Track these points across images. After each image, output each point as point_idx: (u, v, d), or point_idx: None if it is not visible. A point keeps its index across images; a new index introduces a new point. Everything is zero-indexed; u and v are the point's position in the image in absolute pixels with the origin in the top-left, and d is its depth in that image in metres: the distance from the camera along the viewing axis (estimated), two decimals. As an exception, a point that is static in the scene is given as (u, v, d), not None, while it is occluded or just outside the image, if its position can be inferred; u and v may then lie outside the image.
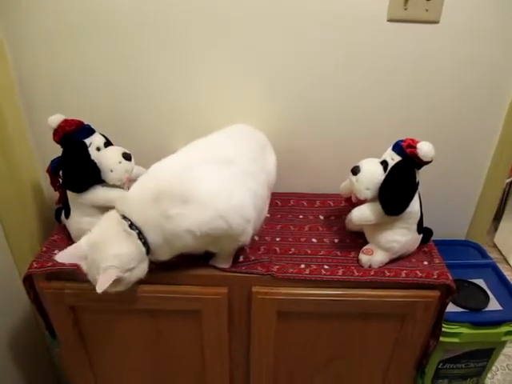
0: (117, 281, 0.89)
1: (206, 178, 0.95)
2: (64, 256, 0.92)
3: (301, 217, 1.26)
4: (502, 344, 1.31)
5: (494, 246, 2.56)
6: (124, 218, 0.93)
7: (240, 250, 1.09)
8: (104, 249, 0.90)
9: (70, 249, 0.93)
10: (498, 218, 2.56)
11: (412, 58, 1.18)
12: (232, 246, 1.03)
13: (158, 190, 0.92)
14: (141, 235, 0.92)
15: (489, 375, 1.74)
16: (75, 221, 1.10)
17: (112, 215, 0.95)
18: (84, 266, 0.92)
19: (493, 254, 2.49)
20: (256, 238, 1.15)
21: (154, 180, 0.96)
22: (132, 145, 1.13)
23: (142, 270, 0.94)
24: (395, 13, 1.13)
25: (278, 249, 1.13)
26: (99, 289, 0.87)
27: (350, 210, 1.14)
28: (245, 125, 1.18)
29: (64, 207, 1.14)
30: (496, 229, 2.56)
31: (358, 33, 1.15)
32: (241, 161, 1.02)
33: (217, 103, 1.26)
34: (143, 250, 0.92)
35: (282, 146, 1.23)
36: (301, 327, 1.13)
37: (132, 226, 0.92)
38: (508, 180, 2.40)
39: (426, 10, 1.12)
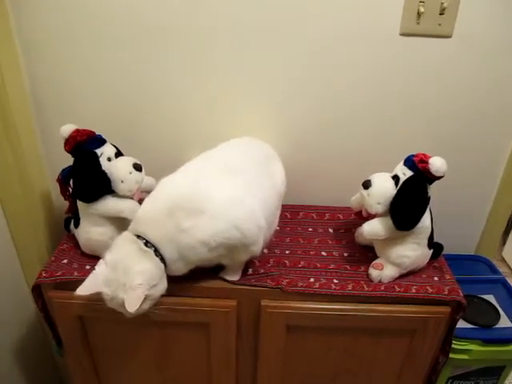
0: (144, 298, 0.88)
1: (217, 189, 0.96)
2: (84, 288, 0.91)
3: (310, 229, 1.26)
4: (513, 362, 1.30)
5: (503, 259, 2.53)
6: (138, 237, 0.93)
7: (249, 263, 1.08)
8: (126, 268, 0.89)
9: (89, 279, 0.92)
10: (506, 231, 2.53)
11: (424, 72, 1.18)
12: (244, 256, 1.02)
13: (170, 205, 0.92)
14: (157, 252, 0.92)
15: (498, 392, 1.71)
16: (84, 230, 1.10)
17: (126, 235, 0.95)
18: (106, 292, 0.91)
19: (501, 269, 2.45)
20: (265, 250, 1.14)
21: (165, 195, 0.96)
22: (142, 155, 1.13)
23: (163, 285, 0.94)
24: (408, 27, 1.12)
25: (287, 262, 1.12)
26: (131, 308, 0.86)
27: (359, 224, 1.13)
28: (250, 137, 1.18)
29: (73, 217, 1.14)
30: (504, 242, 2.54)
31: (370, 46, 1.15)
32: (248, 171, 1.03)
33: (227, 115, 1.26)
34: (162, 266, 0.92)
35: (292, 158, 1.23)
36: (309, 341, 1.12)
37: (147, 243, 0.92)
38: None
39: (439, 25, 1.12)
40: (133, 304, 0.86)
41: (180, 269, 0.96)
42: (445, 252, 1.18)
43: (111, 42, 1.16)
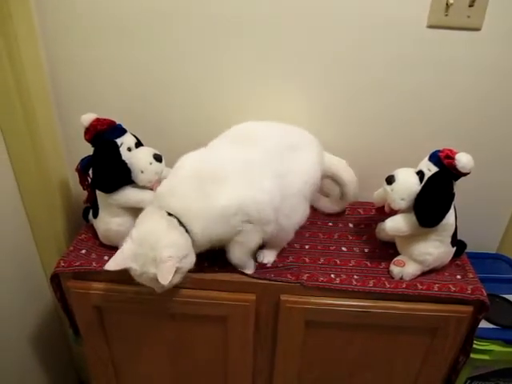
0: (175, 271, 0.88)
1: (238, 159, 0.98)
2: (112, 264, 0.91)
3: (330, 224, 1.24)
4: (535, 363, 1.27)
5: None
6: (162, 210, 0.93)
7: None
8: (154, 241, 0.89)
9: (116, 255, 0.92)
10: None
11: (451, 65, 1.15)
12: (256, 236, 1.00)
13: (193, 176, 0.95)
14: (182, 225, 0.92)
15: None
16: (103, 221, 1.10)
17: (150, 210, 0.95)
18: (135, 267, 0.91)
19: (519, 267, 2.42)
20: (285, 245, 1.13)
21: (187, 168, 0.98)
22: (162, 146, 1.12)
23: (192, 257, 0.94)
24: (436, 19, 1.09)
25: (307, 259, 1.11)
26: (164, 281, 0.86)
27: (380, 219, 1.11)
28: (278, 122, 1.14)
29: (92, 207, 1.13)
30: (523, 241, 2.50)
31: (397, 39, 1.13)
32: (268, 152, 1.02)
33: (251, 109, 1.24)
34: (188, 238, 0.92)
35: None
36: (328, 337, 1.11)
37: (171, 215, 0.92)
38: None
39: (468, 17, 1.09)
40: (165, 276, 0.86)
41: (203, 243, 0.95)
42: (466, 250, 1.16)
43: (132, 32, 1.15)
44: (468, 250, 1.17)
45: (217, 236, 0.96)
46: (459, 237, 1.13)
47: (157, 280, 0.87)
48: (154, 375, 1.24)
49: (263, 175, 0.98)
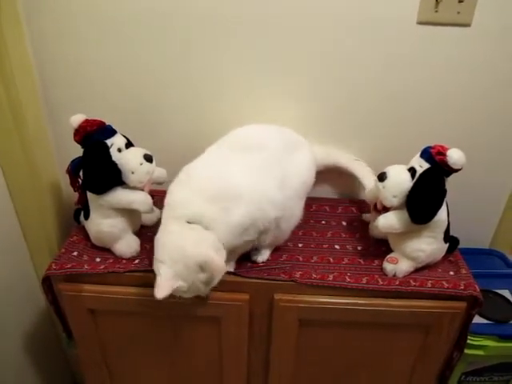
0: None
1: (243, 175, 0.97)
2: (160, 292, 0.86)
3: (323, 222, 1.24)
4: (528, 358, 1.28)
5: (514, 253, 2.50)
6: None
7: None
8: (186, 250, 0.88)
9: (159, 282, 0.87)
10: (518, 224, 2.50)
11: (442, 61, 1.15)
12: (251, 244, 1.02)
13: (205, 189, 0.94)
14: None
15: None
16: (95, 222, 1.09)
17: (166, 223, 0.94)
18: (182, 284, 0.87)
19: (513, 262, 2.43)
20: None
21: (196, 181, 0.97)
22: (154, 146, 1.11)
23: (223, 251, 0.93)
24: (425, 15, 1.09)
25: (300, 257, 1.11)
26: (222, 270, 0.88)
27: (373, 217, 1.11)
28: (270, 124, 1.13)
29: (83, 208, 1.13)
30: (516, 236, 2.51)
31: (386, 35, 1.12)
32: (267, 156, 1.02)
33: (240, 103, 1.24)
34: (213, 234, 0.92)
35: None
36: (322, 335, 1.11)
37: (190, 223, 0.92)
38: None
39: (458, 13, 1.09)
40: (220, 266, 0.87)
41: None
42: (459, 246, 1.16)
43: (121, 32, 1.14)
44: (461, 245, 1.17)
45: (227, 246, 0.94)
46: (452, 233, 1.13)
47: (206, 284, 0.89)
48: (149, 377, 1.24)
49: (272, 186, 0.98)
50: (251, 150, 1.01)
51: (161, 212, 1.21)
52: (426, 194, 0.99)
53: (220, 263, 0.87)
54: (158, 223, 1.19)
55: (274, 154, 1.02)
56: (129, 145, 1.09)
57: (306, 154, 1.11)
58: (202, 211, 0.92)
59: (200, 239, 0.89)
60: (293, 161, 1.06)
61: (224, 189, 0.94)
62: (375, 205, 1.09)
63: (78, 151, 1.06)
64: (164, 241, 0.92)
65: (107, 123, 1.06)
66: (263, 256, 1.08)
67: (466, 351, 1.16)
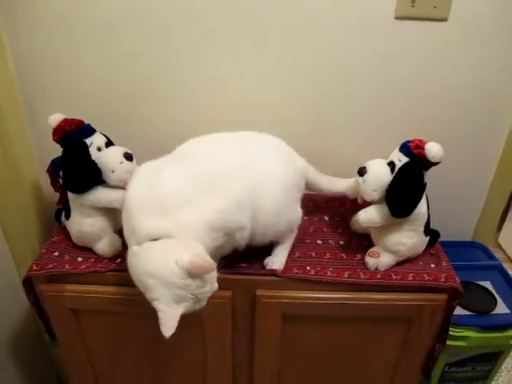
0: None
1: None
2: (170, 327, 0.83)
3: (305, 218, 1.23)
4: (510, 347, 1.29)
5: (499, 246, 2.53)
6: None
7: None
8: (169, 268, 0.82)
9: (166, 318, 0.83)
10: (502, 217, 2.53)
11: (420, 56, 1.16)
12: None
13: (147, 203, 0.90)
14: None
15: (494, 377, 1.72)
16: (76, 222, 1.08)
17: (138, 251, 0.87)
18: (186, 304, 0.84)
19: (497, 254, 2.44)
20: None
21: (135, 199, 0.92)
22: (136, 146, 1.10)
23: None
24: (403, 10, 1.10)
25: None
26: (208, 267, 0.83)
27: (355, 212, 1.12)
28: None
29: (64, 208, 1.12)
30: (500, 228, 2.54)
31: (364, 30, 1.13)
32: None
33: (222, 104, 1.24)
34: None
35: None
36: (306, 330, 1.11)
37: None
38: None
39: (435, 7, 1.10)
40: (206, 266, 0.83)
41: None
42: (441, 239, 1.17)
43: (102, 31, 1.14)
44: (444, 238, 1.18)
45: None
46: (435, 226, 1.14)
47: (206, 286, 0.84)
48: (134, 375, 1.23)
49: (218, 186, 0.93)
50: (194, 162, 0.97)
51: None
52: (405, 188, 1.00)
53: (201, 260, 0.81)
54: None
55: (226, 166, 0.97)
56: (109, 144, 1.08)
57: (276, 162, 1.04)
58: (156, 227, 0.87)
59: (167, 251, 0.84)
60: (261, 172, 1.00)
61: (162, 198, 0.89)
62: (355, 199, 1.10)
63: (59, 151, 1.05)
64: (142, 277, 0.85)
65: (86, 122, 1.06)
66: (278, 264, 1.05)
67: (449, 342, 1.17)
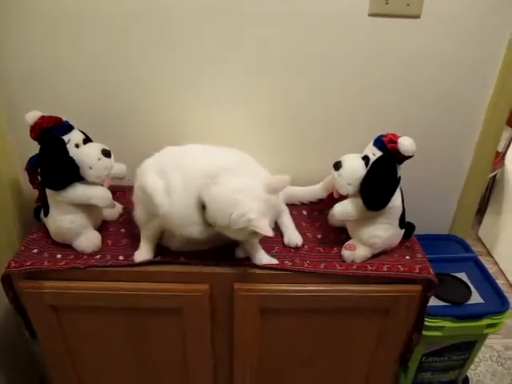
0: None
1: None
2: (265, 226, 0.90)
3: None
4: (484, 336, 1.33)
5: (479, 239, 2.58)
6: None
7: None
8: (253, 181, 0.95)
9: (260, 221, 0.90)
10: (482, 211, 2.58)
11: (393, 53, 1.18)
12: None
13: None
14: None
15: (472, 366, 1.76)
16: (54, 219, 1.08)
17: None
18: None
19: (477, 248, 2.51)
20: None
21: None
22: (117, 143, 1.11)
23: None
24: (376, 7, 1.12)
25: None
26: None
27: (332, 206, 1.13)
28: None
29: (43, 205, 1.12)
30: (480, 222, 2.59)
31: (338, 28, 1.15)
32: None
33: (200, 107, 1.26)
34: None
35: (269, 141, 1.24)
36: (284, 323, 1.13)
37: None
38: (491, 174, 2.42)
39: (408, 5, 1.12)
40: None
41: None
42: (420, 232, 1.19)
43: (79, 25, 1.14)
44: (422, 232, 1.20)
45: None
46: (412, 220, 1.17)
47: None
48: (116, 370, 1.24)
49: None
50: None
51: (123, 207, 1.23)
52: (379, 181, 1.02)
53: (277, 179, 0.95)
54: (119, 218, 1.21)
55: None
56: (87, 140, 1.09)
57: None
58: None
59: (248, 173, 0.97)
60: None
61: None
62: (332, 193, 1.12)
63: (37, 148, 1.05)
64: (231, 195, 0.92)
65: (64, 119, 1.06)
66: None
67: (425, 333, 1.20)
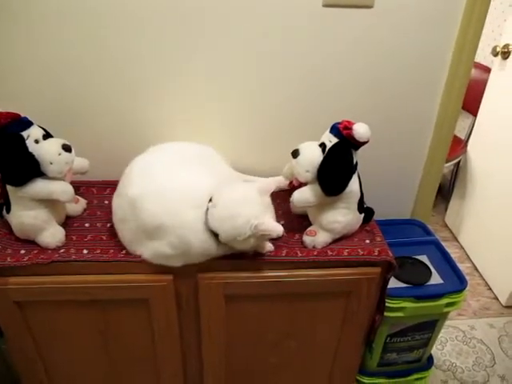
0: None
1: None
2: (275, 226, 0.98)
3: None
4: (445, 315, 1.37)
5: (445, 225, 2.65)
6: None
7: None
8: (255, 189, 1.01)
9: (272, 222, 0.99)
10: (447, 198, 2.65)
11: (348, 42, 1.21)
12: None
13: None
14: None
15: (438, 346, 1.82)
16: (16, 215, 1.08)
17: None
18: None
19: (444, 233, 2.58)
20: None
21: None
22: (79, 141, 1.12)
23: None
24: (330, -3, 1.15)
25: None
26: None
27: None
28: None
29: (5, 202, 1.12)
30: (446, 209, 2.66)
31: (293, 18, 1.17)
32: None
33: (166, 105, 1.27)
34: None
35: (228, 134, 1.26)
36: (250, 310, 1.15)
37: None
38: (455, 161, 2.49)
39: (360, -5, 1.15)
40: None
41: None
42: (383, 217, 1.23)
43: (40, 21, 1.13)
44: (385, 217, 1.24)
45: None
46: (376, 205, 1.20)
47: None
48: (85, 364, 1.24)
49: None
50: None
51: (86, 202, 1.23)
52: (335, 167, 1.05)
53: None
54: (83, 213, 1.21)
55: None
56: (47, 136, 1.09)
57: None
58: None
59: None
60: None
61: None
62: (292, 182, 1.15)
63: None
64: (232, 204, 0.98)
65: (23, 115, 1.06)
66: None
67: (387, 314, 1.24)
